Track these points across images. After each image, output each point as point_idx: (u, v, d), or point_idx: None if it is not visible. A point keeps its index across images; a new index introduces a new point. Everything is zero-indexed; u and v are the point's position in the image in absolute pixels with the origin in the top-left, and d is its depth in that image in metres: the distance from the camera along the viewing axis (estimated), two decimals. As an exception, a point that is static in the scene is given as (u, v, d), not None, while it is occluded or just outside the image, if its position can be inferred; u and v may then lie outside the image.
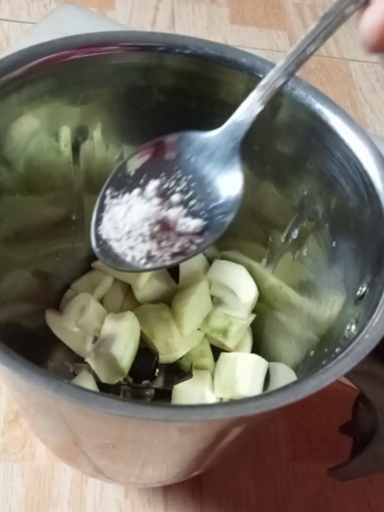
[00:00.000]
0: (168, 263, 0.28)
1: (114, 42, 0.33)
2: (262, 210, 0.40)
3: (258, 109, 0.28)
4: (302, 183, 0.36)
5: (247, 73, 0.33)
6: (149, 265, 0.28)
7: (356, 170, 0.31)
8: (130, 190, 0.29)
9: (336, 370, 0.24)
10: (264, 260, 0.43)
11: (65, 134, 0.36)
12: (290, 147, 0.35)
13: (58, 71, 0.32)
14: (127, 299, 0.47)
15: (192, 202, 0.29)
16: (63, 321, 0.44)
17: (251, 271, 0.44)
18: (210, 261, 0.47)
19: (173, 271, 0.48)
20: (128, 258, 0.28)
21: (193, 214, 0.29)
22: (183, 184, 0.30)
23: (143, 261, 0.28)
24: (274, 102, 0.34)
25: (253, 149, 0.37)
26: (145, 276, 0.45)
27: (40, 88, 0.32)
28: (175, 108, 0.36)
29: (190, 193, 0.29)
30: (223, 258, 0.46)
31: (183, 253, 0.28)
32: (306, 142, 0.34)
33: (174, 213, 0.29)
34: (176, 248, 0.28)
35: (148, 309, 0.45)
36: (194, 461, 0.35)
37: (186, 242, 0.28)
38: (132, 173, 0.30)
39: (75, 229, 0.43)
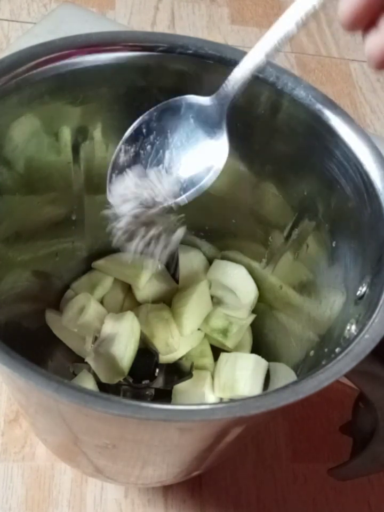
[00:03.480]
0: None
1: (114, 42, 0.33)
2: (262, 210, 0.40)
3: (246, 77, 0.31)
4: (302, 183, 0.36)
5: (247, 73, 0.33)
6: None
7: (356, 170, 0.31)
8: (141, 144, 0.34)
9: (336, 370, 0.24)
10: (264, 260, 0.43)
11: (65, 134, 0.36)
12: (290, 147, 0.35)
13: (58, 71, 0.32)
14: (127, 299, 0.47)
15: (184, 159, 0.33)
16: (63, 321, 0.44)
17: (251, 271, 0.44)
18: (210, 261, 0.47)
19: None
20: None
21: (184, 170, 0.33)
22: (183, 141, 0.33)
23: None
24: (275, 102, 0.34)
25: (253, 149, 0.37)
26: (145, 276, 0.45)
27: (40, 88, 0.32)
28: (175, 107, 0.36)
29: (187, 150, 0.33)
30: (223, 258, 0.46)
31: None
32: (306, 142, 0.34)
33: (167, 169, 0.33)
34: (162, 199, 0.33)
35: (148, 309, 0.45)
36: (194, 461, 0.35)
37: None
38: (144, 130, 0.34)
39: (75, 229, 0.43)
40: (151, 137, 0.33)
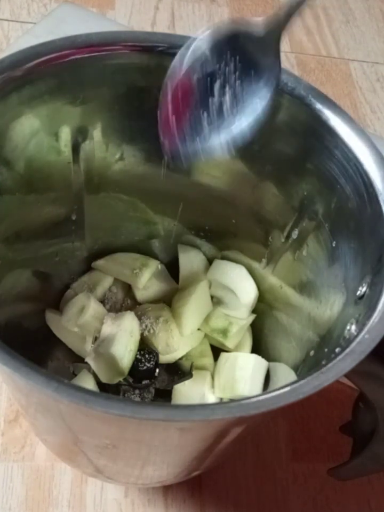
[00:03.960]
0: None
1: (114, 42, 0.33)
2: (262, 210, 0.40)
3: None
4: (302, 183, 0.36)
5: (247, 73, 0.33)
6: None
7: (356, 170, 0.31)
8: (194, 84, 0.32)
9: (336, 370, 0.24)
10: (264, 260, 0.43)
11: (65, 134, 0.36)
12: (290, 147, 0.35)
13: (58, 71, 0.32)
14: (127, 299, 0.47)
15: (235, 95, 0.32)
16: (63, 321, 0.44)
17: (251, 271, 0.44)
18: (210, 261, 0.47)
19: (173, 271, 0.48)
20: None
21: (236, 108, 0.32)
22: (234, 76, 0.32)
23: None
24: (275, 102, 0.34)
25: (253, 149, 0.37)
26: (145, 276, 0.45)
27: (40, 88, 0.32)
28: (175, 107, 0.36)
29: (237, 85, 0.32)
30: (223, 258, 0.46)
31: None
32: (306, 142, 0.34)
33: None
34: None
35: (148, 309, 0.45)
36: (194, 461, 0.35)
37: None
38: (197, 70, 0.32)
39: (75, 229, 0.43)
40: (202, 76, 0.32)
